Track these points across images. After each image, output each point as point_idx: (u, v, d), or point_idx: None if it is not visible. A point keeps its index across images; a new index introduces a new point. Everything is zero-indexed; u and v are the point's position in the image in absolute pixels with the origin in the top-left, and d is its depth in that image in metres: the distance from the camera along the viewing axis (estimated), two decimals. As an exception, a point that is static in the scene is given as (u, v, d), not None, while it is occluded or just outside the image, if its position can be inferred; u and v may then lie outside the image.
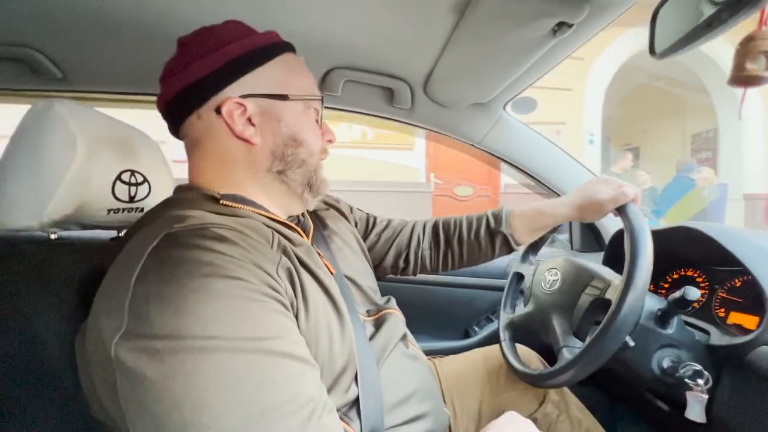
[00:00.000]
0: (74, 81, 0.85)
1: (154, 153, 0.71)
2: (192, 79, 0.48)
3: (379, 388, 0.49)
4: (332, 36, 0.76)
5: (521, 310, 0.79)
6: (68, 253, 0.58)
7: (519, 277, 0.86)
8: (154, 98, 0.54)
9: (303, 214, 0.61)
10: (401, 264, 0.79)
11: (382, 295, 0.67)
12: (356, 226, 0.76)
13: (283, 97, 0.50)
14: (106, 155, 0.60)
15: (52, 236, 0.61)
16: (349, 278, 0.59)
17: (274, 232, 0.47)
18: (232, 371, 0.33)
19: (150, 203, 0.67)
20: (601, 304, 0.62)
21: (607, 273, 0.66)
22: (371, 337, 0.55)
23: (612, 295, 0.59)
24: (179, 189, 0.52)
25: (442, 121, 0.97)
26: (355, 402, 0.47)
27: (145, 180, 0.67)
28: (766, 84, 0.46)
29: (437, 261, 0.79)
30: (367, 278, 0.64)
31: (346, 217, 0.73)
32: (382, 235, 0.78)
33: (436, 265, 0.79)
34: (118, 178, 0.62)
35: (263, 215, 0.49)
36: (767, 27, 0.43)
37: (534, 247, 0.87)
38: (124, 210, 0.64)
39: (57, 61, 0.81)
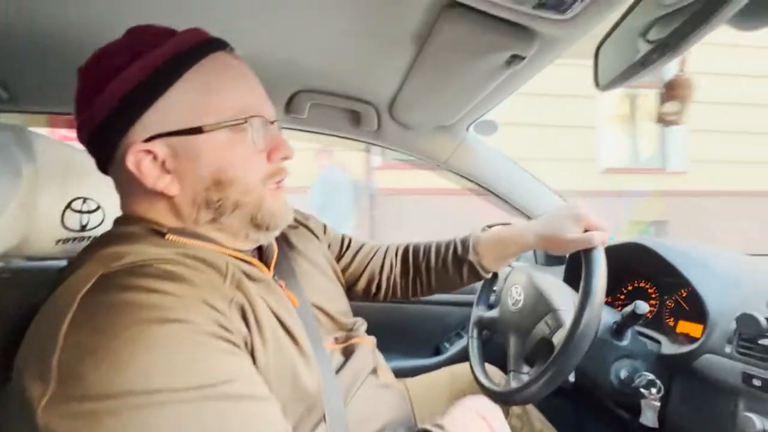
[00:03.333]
0: (22, 102, 0.80)
1: (108, 179, 0.68)
2: (91, 127, 0.41)
3: (345, 426, 0.48)
4: (296, 59, 0.77)
5: (491, 312, 0.83)
6: (12, 288, 0.54)
7: (494, 275, 0.88)
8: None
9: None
10: (373, 289, 0.77)
11: (354, 315, 0.65)
12: (329, 247, 0.72)
13: (196, 131, 0.40)
14: (55, 182, 0.57)
15: (-8, 270, 0.56)
16: (316, 306, 0.57)
17: (230, 265, 0.42)
18: (182, 424, 0.30)
19: (104, 231, 0.64)
20: (548, 345, 0.64)
21: (564, 307, 0.67)
22: (339, 369, 0.53)
23: (558, 339, 0.62)
24: (119, 221, 0.45)
25: (408, 143, 0.99)
26: None
27: (99, 207, 0.64)
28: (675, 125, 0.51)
29: (407, 287, 0.78)
30: (336, 302, 0.61)
31: (317, 236, 0.69)
32: (355, 257, 0.75)
33: (406, 291, 0.78)
34: (69, 206, 0.58)
35: (216, 250, 0.44)
36: (685, 76, 0.49)
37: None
38: (74, 239, 0.61)
39: (2, 81, 0.76)
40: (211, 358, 0.34)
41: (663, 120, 0.49)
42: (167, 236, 0.42)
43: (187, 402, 0.31)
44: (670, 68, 0.51)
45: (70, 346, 0.31)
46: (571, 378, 0.60)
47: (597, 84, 0.56)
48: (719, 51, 4.51)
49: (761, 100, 5.06)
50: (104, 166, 0.45)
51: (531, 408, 0.82)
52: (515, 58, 0.61)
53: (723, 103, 4.93)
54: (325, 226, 0.74)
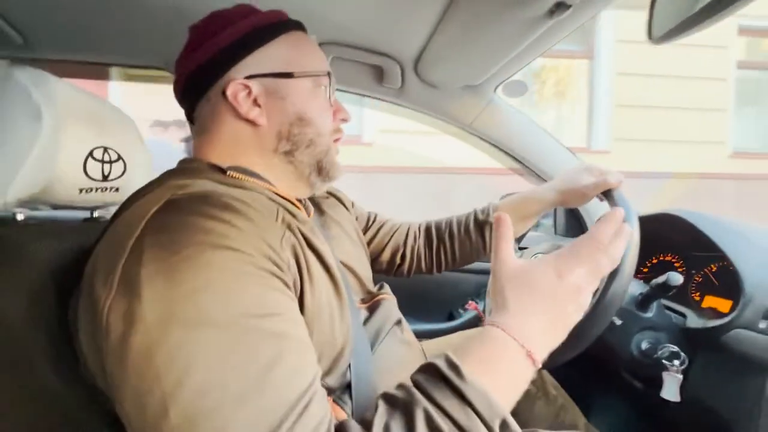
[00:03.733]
0: (36, 47, 0.78)
1: (128, 129, 0.66)
2: (199, 63, 0.49)
3: (371, 371, 0.49)
4: (318, 9, 0.73)
5: None
6: (38, 235, 0.54)
7: None
8: (125, 68, 0.50)
9: (304, 199, 0.59)
10: (397, 260, 0.79)
11: (375, 282, 0.66)
12: (356, 220, 0.75)
13: (288, 75, 0.49)
14: (76, 130, 0.55)
15: (19, 217, 0.56)
16: (345, 265, 0.58)
17: (279, 206, 0.45)
18: (217, 348, 0.32)
19: (126, 182, 0.63)
20: None
21: None
22: (365, 322, 0.55)
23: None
24: (183, 161, 0.51)
25: (432, 103, 0.95)
26: (350, 385, 0.47)
27: (120, 158, 0.63)
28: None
29: (431, 259, 0.80)
30: (363, 268, 0.63)
31: (346, 207, 0.71)
32: (380, 230, 0.78)
33: (430, 263, 0.80)
34: (90, 155, 0.57)
35: (268, 189, 0.48)
36: None
37: (516, 240, 0.88)
38: (97, 189, 0.60)
39: (17, 24, 0.74)
40: (258, 290, 0.35)
41: None
42: (228, 172, 0.47)
43: (224, 327, 0.32)
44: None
45: (134, 257, 0.34)
46: (618, 321, 0.59)
47: (650, 36, 0.51)
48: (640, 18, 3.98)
49: (685, 72, 4.49)
50: (195, 105, 0.52)
51: (545, 374, 0.82)
52: (560, 7, 0.56)
53: (645, 75, 4.43)
54: (353, 203, 0.77)
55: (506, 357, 0.38)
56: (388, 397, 0.36)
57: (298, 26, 0.53)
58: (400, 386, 0.37)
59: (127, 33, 0.78)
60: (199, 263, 0.33)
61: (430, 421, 0.33)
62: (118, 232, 0.37)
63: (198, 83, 0.50)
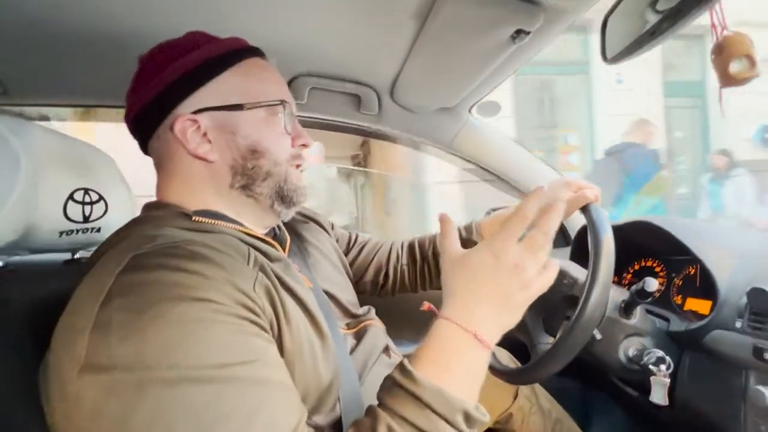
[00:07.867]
0: (16, 95, 0.79)
1: (109, 169, 0.67)
2: (146, 100, 0.47)
3: (361, 403, 0.48)
4: (295, 43, 0.75)
5: None
6: (17, 282, 0.54)
7: None
8: (107, 109, 0.51)
9: (279, 227, 0.58)
10: (381, 280, 0.79)
11: (362, 304, 0.66)
12: (337, 241, 0.74)
13: (238, 107, 0.47)
14: (56, 174, 0.56)
15: (-3, 263, 0.56)
16: (326, 292, 0.57)
17: (250, 248, 0.44)
18: (198, 403, 0.31)
19: (107, 222, 0.64)
20: (570, 301, 0.64)
21: (574, 270, 0.68)
22: (352, 350, 0.54)
23: (579, 291, 0.61)
24: (148, 206, 0.49)
25: (410, 126, 0.98)
26: (340, 420, 0.46)
27: (101, 198, 0.63)
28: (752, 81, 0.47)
29: (415, 277, 0.80)
30: (345, 292, 0.63)
31: (326, 230, 0.71)
32: (362, 251, 0.79)
33: (414, 281, 0.80)
34: (70, 197, 0.58)
35: (238, 230, 0.47)
36: (730, 32, 0.46)
37: None
38: (78, 231, 0.60)
39: (-4, 73, 0.75)
40: (230, 338, 0.34)
41: (738, 82, 0.45)
42: (194, 217, 0.45)
43: (201, 381, 0.31)
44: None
45: (102, 323, 0.32)
46: (598, 335, 0.60)
47: (604, 57, 0.55)
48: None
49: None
50: (146, 141, 0.50)
51: (539, 388, 0.83)
52: (520, 33, 0.60)
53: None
54: (332, 224, 0.76)
55: (455, 346, 0.39)
56: (355, 425, 0.36)
57: (254, 53, 0.51)
58: (368, 409, 0.38)
59: (109, 74, 0.80)
60: (171, 319, 0.32)
61: None
62: (82, 297, 0.36)
63: (146, 120, 0.48)
